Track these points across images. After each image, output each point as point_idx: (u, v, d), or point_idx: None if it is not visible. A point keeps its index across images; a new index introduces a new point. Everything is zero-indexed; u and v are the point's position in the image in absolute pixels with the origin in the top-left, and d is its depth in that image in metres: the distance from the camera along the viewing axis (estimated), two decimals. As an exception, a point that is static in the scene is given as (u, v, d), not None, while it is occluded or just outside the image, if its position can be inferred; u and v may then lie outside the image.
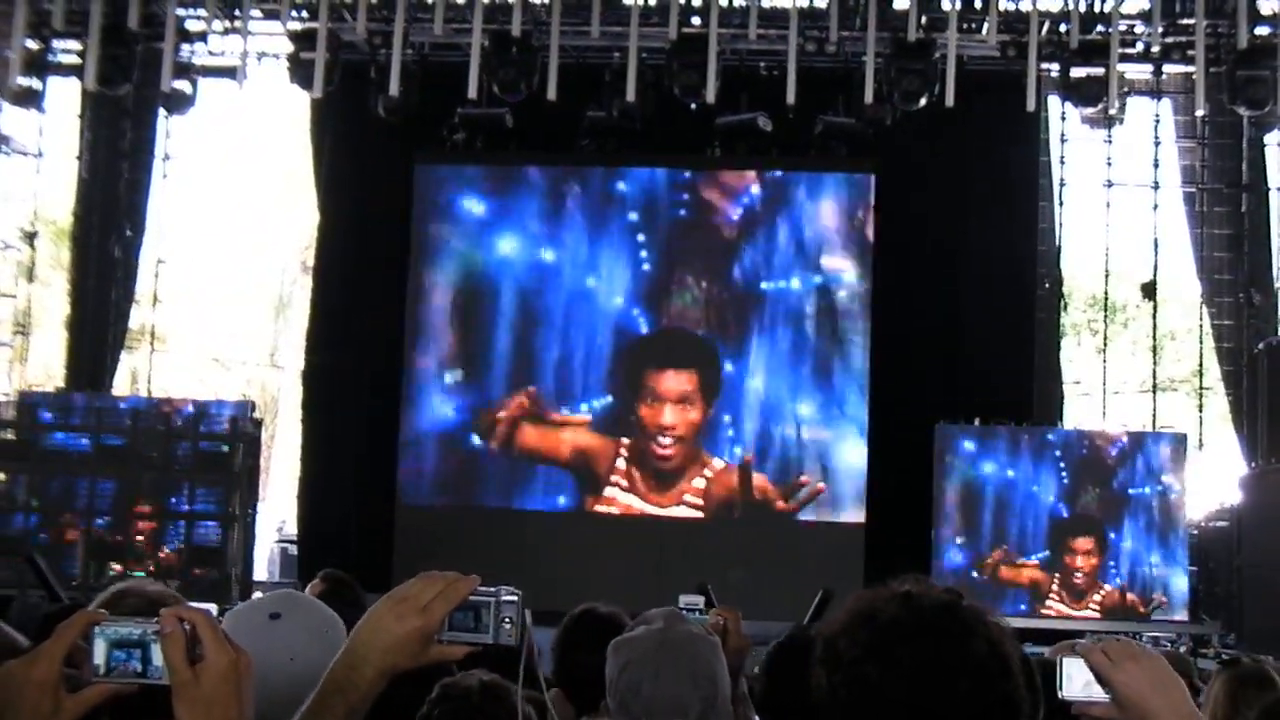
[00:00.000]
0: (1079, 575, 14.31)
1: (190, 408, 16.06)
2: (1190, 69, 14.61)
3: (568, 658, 4.50)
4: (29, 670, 2.09)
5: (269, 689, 2.35)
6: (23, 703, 2.08)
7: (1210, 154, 16.08)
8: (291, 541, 17.34)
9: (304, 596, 3.14)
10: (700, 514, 15.40)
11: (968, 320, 14.98)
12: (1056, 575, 14.35)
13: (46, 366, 20.21)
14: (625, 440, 15.53)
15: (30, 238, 17.48)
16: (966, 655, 2.24)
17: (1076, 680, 2.52)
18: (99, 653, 2.12)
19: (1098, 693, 2.48)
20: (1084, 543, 14.34)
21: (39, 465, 14.57)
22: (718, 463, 15.46)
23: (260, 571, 16.68)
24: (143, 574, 13.49)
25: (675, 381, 15.59)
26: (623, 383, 15.63)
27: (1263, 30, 14.05)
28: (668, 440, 15.43)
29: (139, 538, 14.45)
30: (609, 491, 15.49)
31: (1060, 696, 2.55)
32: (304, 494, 16.52)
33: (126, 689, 2.13)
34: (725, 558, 14.12)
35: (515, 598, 2.36)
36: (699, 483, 15.45)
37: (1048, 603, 14.26)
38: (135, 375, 19.42)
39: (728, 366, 15.56)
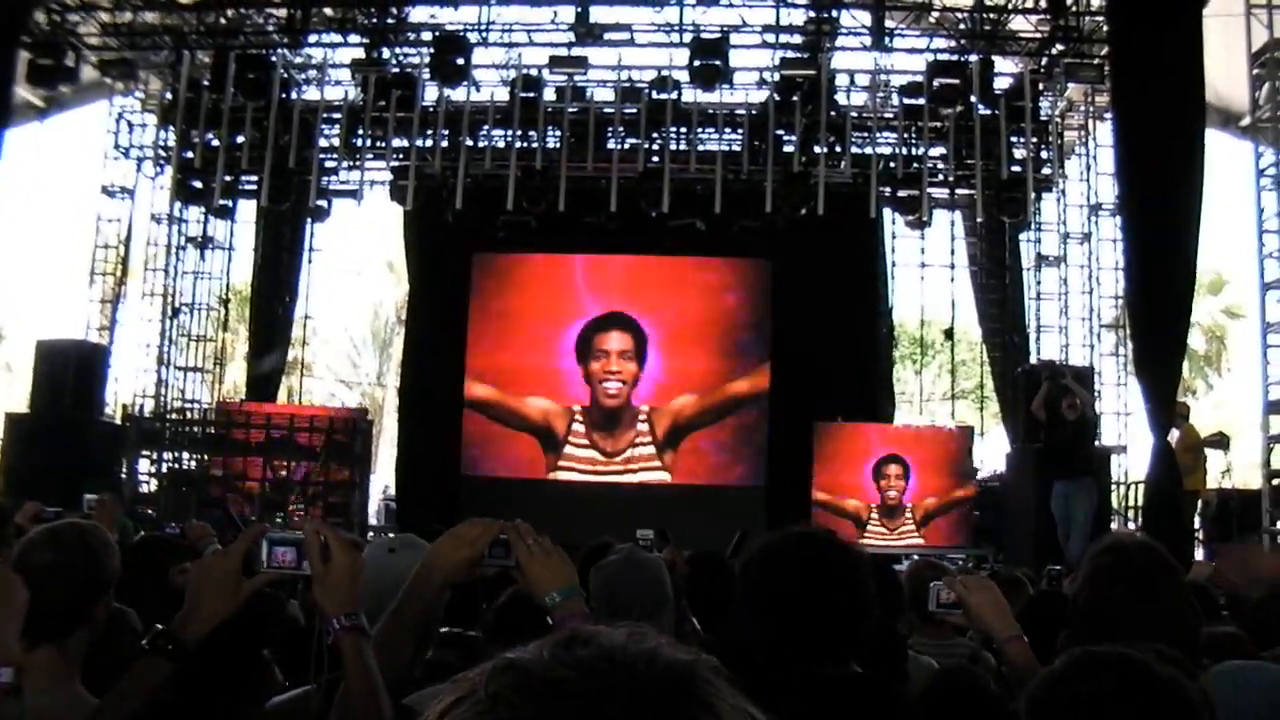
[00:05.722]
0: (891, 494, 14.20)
1: (326, 413, 16.32)
2: (972, 192, 14.72)
3: (583, 571, 4.74)
4: (220, 562, 2.17)
5: (386, 592, 2.37)
6: (214, 583, 2.13)
7: (986, 245, 16.12)
8: (392, 499, 17.21)
9: (412, 537, 3.03)
10: (664, 476, 15.06)
11: (834, 352, 14.52)
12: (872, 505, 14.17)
13: (235, 386, 20.15)
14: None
15: (224, 302, 17.48)
16: (836, 569, 2.31)
17: (940, 599, 2.73)
18: (264, 552, 2.18)
19: (954, 609, 2.70)
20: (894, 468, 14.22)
21: (229, 450, 14.55)
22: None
23: (372, 519, 16.51)
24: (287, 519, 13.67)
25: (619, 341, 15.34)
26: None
27: (1016, 168, 14.27)
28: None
29: (294, 496, 14.37)
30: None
31: (930, 610, 2.83)
32: (399, 468, 16.31)
33: (282, 576, 2.22)
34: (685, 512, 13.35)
35: None
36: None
37: (869, 529, 14.01)
38: (292, 391, 19.32)
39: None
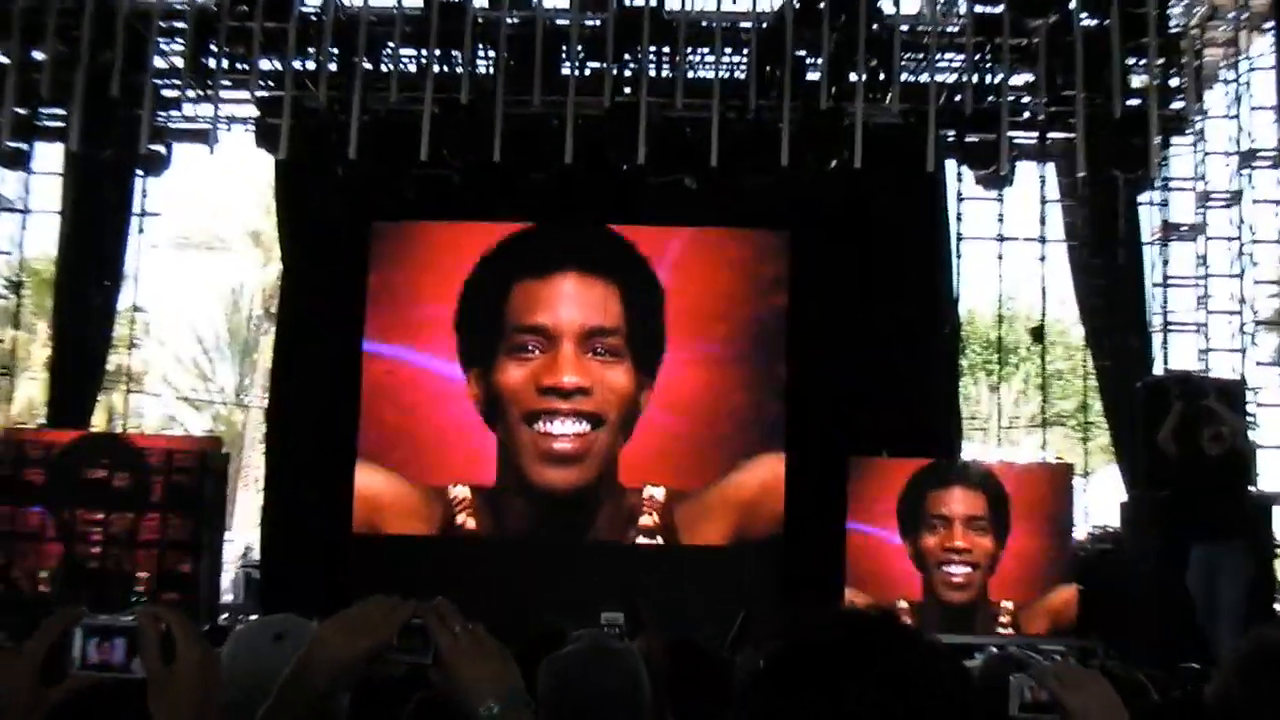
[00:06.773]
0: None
1: (163, 444, 16.08)
2: (1071, 135, 14.68)
3: (527, 666, 4.62)
4: (9, 662, 2.10)
5: (268, 695, 2.33)
6: (2, 694, 2.08)
7: (1090, 212, 16.14)
8: (255, 566, 17.02)
9: (301, 620, 3.13)
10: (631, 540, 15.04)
11: (876, 360, 14.71)
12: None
13: (30, 405, 20.10)
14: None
15: (16, 286, 17.50)
16: (918, 671, 1.89)
17: (1026, 698, 2.57)
18: (77, 647, 2.10)
19: (1046, 712, 2.52)
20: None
21: (21, 498, 14.31)
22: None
23: (226, 594, 16.49)
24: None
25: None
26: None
27: (1134, 101, 14.26)
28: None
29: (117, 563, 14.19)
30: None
31: (1012, 716, 2.58)
32: (266, 522, 16.17)
33: (104, 680, 2.12)
34: (667, 580, 13.97)
35: None
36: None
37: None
38: (112, 414, 19.36)
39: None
